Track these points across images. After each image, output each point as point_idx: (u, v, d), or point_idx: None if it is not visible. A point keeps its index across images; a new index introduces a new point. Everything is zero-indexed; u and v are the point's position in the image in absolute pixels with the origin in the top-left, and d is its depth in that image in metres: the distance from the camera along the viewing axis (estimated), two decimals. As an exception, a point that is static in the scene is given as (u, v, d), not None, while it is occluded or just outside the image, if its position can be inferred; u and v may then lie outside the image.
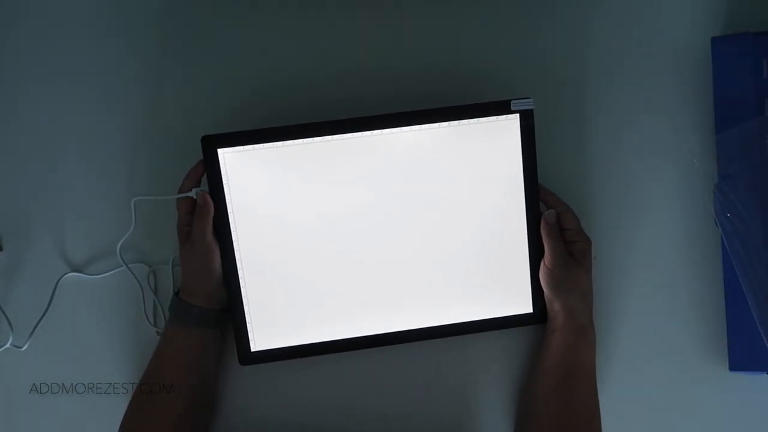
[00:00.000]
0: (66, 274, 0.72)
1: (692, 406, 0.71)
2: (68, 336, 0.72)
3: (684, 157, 0.73)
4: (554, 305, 0.68)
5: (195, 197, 0.66)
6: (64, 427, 0.72)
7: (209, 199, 0.66)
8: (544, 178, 0.69)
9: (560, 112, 0.73)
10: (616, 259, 0.73)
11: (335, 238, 0.68)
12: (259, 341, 0.69)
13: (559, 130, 0.73)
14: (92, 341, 0.72)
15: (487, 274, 0.69)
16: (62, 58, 0.74)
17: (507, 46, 0.74)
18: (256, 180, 0.66)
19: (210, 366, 0.69)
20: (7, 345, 0.71)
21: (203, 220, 0.66)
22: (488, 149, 0.67)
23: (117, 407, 0.67)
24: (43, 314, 0.71)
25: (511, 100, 0.66)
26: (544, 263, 0.67)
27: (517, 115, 0.66)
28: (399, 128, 0.66)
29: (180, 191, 0.67)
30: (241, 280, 0.68)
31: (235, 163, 0.66)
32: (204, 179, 0.67)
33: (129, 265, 0.72)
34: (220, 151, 0.65)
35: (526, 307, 0.70)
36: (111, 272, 0.72)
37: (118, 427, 0.66)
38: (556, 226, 0.67)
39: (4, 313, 0.71)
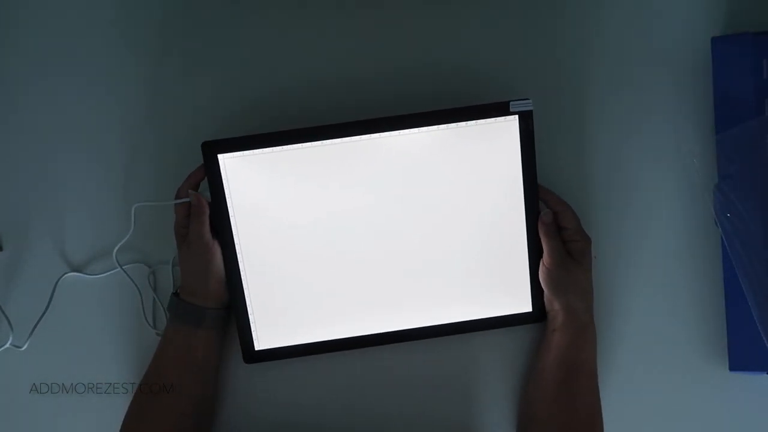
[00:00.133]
0: (66, 274, 0.72)
1: (692, 406, 0.71)
2: (68, 336, 0.72)
3: (684, 157, 0.73)
4: (554, 304, 0.68)
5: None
6: (64, 427, 0.72)
7: (203, 200, 0.66)
8: (544, 178, 0.69)
9: (560, 112, 0.73)
10: (616, 259, 0.72)
11: (336, 239, 0.68)
12: (262, 340, 0.69)
13: (558, 130, 0.73)
14: (92, 341, 0.72)
15: (486, 274, 0.69)
16: (62, 58, 0.74)
17: (507, 46, 0.74)
18: (256, 184, 0.66)
19: (210, 365, 0.69)
20: (7, 345, 0.71)
21: (199, 221, 0.66)
22: (487, 151, 0.67)
23: (117, 407, 0.68)
24: (43, 314, 0.71)
25: (510, 101, 0.66)
26: (543, 263, 0.67)
27: (516, 116, 0.66)
28: (398, 131, 0.66)
29: (178, 195, 0.67)
30: (243, 282, 0.68)
31: (236, 167, 0.66)
32: (203, 183, 0.67)
33: (129, 266, 0.72)
34: (220, 156, 0.66)
35: (525, 306, 0.70)
36: (111, 272, 0.72)
37: (118, 428, 0.66)
38: (553, 225, 0.67)
39: (3, 313, 0.72)
